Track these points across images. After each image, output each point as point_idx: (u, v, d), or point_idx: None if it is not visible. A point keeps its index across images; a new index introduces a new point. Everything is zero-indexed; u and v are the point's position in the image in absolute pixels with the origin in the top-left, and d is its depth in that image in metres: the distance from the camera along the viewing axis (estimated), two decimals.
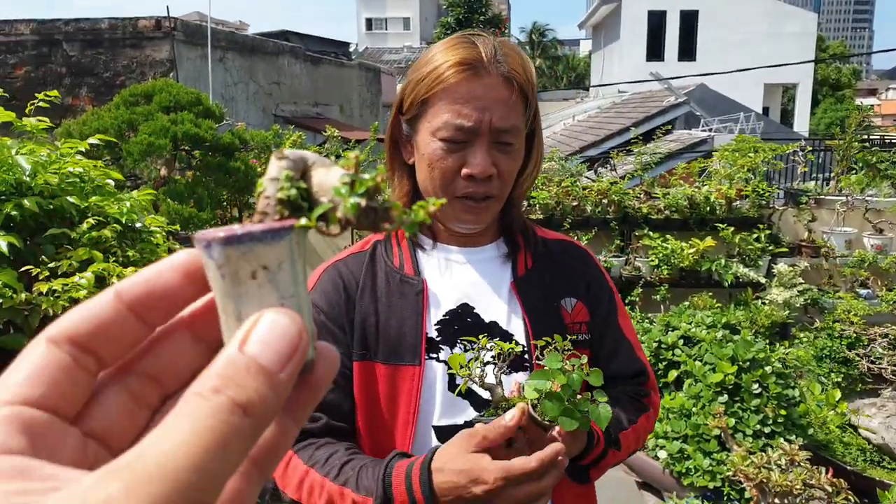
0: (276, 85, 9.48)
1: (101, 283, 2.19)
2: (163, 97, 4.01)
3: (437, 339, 1.16)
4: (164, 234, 2.50)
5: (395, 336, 1.14)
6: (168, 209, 3.66)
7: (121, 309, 0.30)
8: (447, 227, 1.23)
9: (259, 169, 4.80)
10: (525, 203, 1.37)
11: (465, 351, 1.12)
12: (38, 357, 0.28)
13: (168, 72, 6.85)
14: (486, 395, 1.09)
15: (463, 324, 1.18)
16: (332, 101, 11.66)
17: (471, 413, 1.14)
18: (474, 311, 1.19)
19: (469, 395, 1.14)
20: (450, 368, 1.07)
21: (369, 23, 51.69)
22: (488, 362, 1.06)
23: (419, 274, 1.20)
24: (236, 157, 4.32)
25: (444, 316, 1.18)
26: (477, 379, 1.01)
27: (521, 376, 1.14)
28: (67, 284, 2.08)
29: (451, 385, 1.14)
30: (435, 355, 1.15)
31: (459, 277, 1.22)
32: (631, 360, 1.27)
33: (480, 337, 1.07)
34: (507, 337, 1.17)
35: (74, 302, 2.10)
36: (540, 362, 1.01)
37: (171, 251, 2.55)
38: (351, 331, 1.16)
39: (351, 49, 16.29)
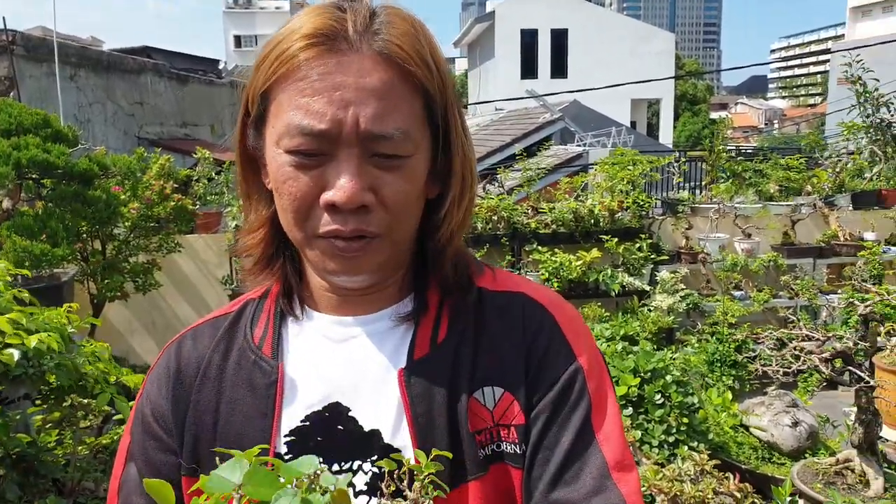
0: (139, 105, 8.84)
1: None
2: (1, 119, 3.53)
3: (287, 456, 0.79)
4: (5, 281, 2.12)
5: (235, 446, 0.73)
6: (14, 247, 3.19)
7: None
8: (324, 280, 0.83)
9: (123, 197, 4.36)
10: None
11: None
12: None
13: (7, 91, 6.14)
14: None
15: (330, 434, 0.80)
16: (201, 122, 11.07)
17: None
18: (349, 413, 0.80)
19: None
20: None
21: (238, 40, 50.32)
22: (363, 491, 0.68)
23: (276, 356, 0.83)
24: (96, 185, 3.88)
25: (302, 421, 0.80)
26: None
27: None
28: None
29: None
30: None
31: (331, 361, 0.82)
32: (599, 487, 0.74)
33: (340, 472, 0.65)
34: (390, 454, 0.76)
35: None
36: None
37: (17, 300, 2.16)
38: (181, 433, 0.82)
39: (220, 67, 15.63)
